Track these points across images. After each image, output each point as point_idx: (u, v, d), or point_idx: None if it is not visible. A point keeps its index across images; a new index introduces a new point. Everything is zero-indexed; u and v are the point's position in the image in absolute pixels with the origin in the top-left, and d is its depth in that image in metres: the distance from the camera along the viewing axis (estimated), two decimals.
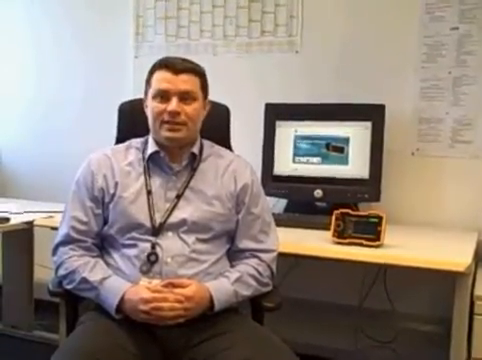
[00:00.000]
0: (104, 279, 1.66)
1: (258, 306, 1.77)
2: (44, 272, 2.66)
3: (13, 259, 2.95)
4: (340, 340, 2.70)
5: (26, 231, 2.58)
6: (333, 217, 2.08)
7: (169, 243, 1.69)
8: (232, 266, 1.77)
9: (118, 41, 3.05)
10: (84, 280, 1.67)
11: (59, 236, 1.77)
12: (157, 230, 1.70)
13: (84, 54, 3.14)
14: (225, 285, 1.68)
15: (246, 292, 1.71)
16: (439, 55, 2.50)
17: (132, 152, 1.82)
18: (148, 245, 1.68)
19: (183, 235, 1.71)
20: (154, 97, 1.74)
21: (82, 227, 1.75)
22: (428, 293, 2.54)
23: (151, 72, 1.78)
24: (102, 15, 3.07)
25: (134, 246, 1.70)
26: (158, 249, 1.68)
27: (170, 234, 1.71)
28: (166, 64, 1.74)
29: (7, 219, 2.35)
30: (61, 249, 1.75)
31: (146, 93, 1.80)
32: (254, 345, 1.55)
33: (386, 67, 2.57)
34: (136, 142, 1.86)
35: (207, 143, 1.87)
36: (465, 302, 1.89)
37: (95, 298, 1.67)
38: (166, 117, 1.72)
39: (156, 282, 1.62)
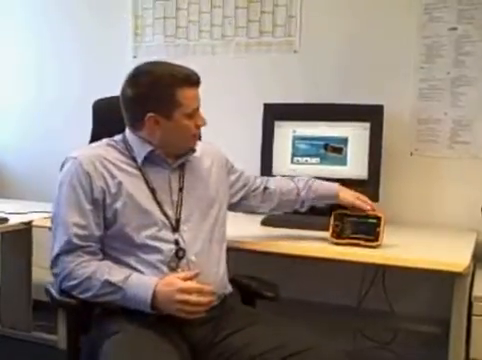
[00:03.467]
0: (127, 278, 1.60)
1: (253, 295, 1.88)
2: (42, 273, 2.64)
3: (11, 260, 2.94)
4: (338, 341, 2.68)
5: (25, 231, 2.58)
6: (331, 217, 2.08)
7: (187, 236, 1.72)
8: (271, 201, 2.04)
9: (116, 41, 3.05)
10: (107, 283, 1.60)
11: (58, 246, 1.67)
12: (176, 226, 1.71)
13: (83, 54, 3.13)
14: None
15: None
16: (438, 55, 2.49)
17: (118, 151, 1.76)
18: (171, 243, 1.69)
19: (196, 225, 1.75)
20: (189, 116, 1.72)
21: (84, 232, 1.66)
22: (427, 294, 2.54)
23: (173, 87, 1.69)
24: (100, 15, 3.07)
25: (153, 245, 1.67)
26: (182, 244, 1.69)
27: (185, 228, 1.73)
28: (191, 81, 1.71)
29: (5, 219, 2.35)
30: (64, 259, 1.65)
31: (168, 110, 1.70)
32: (278, 334, 1.67)
33: (385, 68, 2.57)
34: (114, 141, 1.79)
35: None
36: (463, 303, 1.89)
37: (121, 299, 1.60)
38: (196, 131, 1.76)
39: (182, 274, 1.62)
